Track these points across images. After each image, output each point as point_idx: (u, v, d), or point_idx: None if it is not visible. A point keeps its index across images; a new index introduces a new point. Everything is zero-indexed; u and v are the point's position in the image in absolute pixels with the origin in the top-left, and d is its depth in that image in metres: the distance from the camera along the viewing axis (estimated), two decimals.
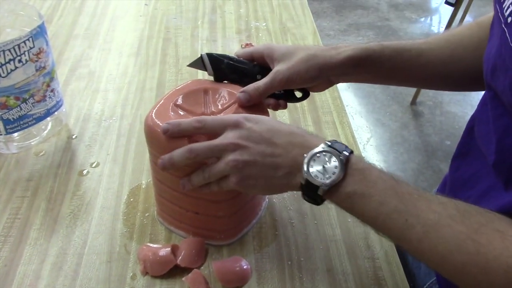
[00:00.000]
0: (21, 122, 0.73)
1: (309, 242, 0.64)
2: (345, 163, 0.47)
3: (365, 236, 0.65)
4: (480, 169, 0.54)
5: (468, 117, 0.59)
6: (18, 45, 0.67)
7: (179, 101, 0.60)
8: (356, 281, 0.59)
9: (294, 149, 0.50)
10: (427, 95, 2.48)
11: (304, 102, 0.87)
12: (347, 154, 0.48)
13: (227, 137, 0.52)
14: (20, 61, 0.68)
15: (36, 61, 0.71)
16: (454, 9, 2.25)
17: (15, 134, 0.75)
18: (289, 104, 0.66)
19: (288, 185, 0.51)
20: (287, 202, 0.69)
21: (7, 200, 0.68)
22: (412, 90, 2.45)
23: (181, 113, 0.59)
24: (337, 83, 0.66)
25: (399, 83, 0.66)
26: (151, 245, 0.61)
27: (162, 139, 0.55)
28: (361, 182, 0.46)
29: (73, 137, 0.79)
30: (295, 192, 0.70)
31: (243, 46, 1.01)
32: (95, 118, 0.83)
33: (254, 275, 0.59)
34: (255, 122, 0.52)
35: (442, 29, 2.72)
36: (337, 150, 0.48)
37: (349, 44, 0.62)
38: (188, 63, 0.68)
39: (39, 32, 0.70)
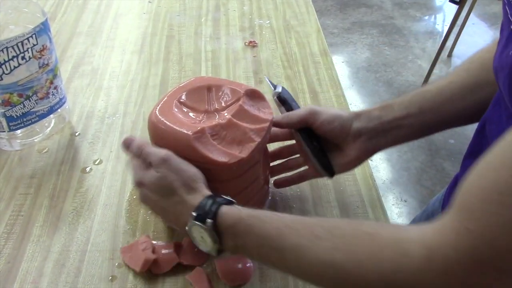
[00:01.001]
0: (24, 119, 0.73)
1: None
2: (214, 227, 0.49)
3: None
4: None
5: None
6: (22, 42, 0.67)
7: (183, 98, 0.60)
8: None
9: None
10: None
11: (308, 99, 0.87)
12: (210, 219, 0.49)
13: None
14: (23, 58, 0.68)
15: (39, 58, 0.70)
16: (458, 7, 2.25)
17: (18, 131, 0.75)
18: None
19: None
20: (290, 200, 0.69)
21: (10, 197, 0.68)
22: None
23: (185, 110, 0.59)
24: (369, 148, 0.62)
25: (438, 126, 0.64)
26: (154, 242, 0.61)
27: (166, 136, 0.55)
28: (235, 237, 0.49)
29: (76, 134, 0.79)
30: (298, 190, 0.70)
31: (246, 43, 1.01)
32: (98, 115, 0.83)
33: (257, 273, 0.59)
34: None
35: (446, 27, 2.70)
36: (203, 216, 0.50)
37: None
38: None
39: (43, 29, 0.70)
